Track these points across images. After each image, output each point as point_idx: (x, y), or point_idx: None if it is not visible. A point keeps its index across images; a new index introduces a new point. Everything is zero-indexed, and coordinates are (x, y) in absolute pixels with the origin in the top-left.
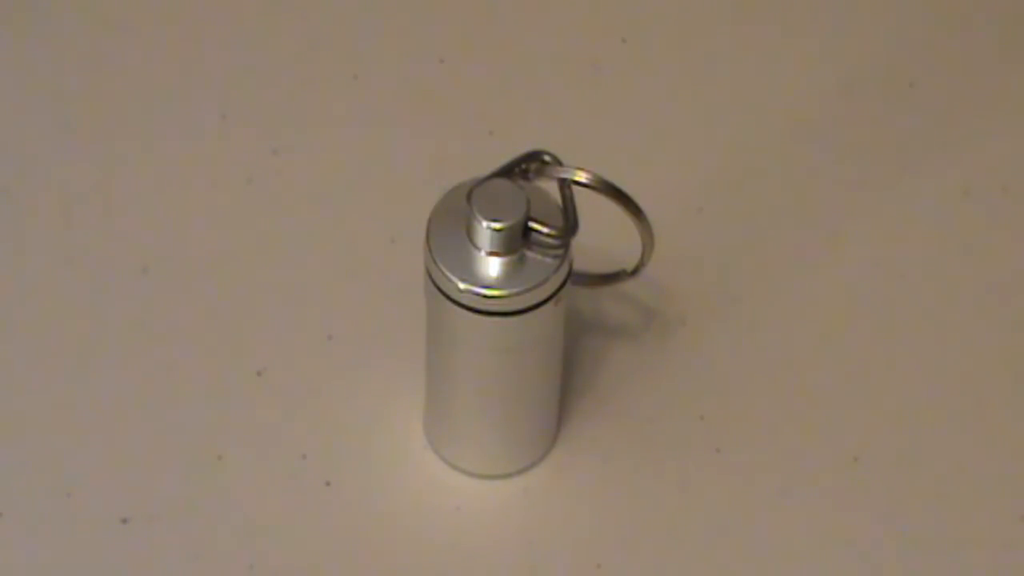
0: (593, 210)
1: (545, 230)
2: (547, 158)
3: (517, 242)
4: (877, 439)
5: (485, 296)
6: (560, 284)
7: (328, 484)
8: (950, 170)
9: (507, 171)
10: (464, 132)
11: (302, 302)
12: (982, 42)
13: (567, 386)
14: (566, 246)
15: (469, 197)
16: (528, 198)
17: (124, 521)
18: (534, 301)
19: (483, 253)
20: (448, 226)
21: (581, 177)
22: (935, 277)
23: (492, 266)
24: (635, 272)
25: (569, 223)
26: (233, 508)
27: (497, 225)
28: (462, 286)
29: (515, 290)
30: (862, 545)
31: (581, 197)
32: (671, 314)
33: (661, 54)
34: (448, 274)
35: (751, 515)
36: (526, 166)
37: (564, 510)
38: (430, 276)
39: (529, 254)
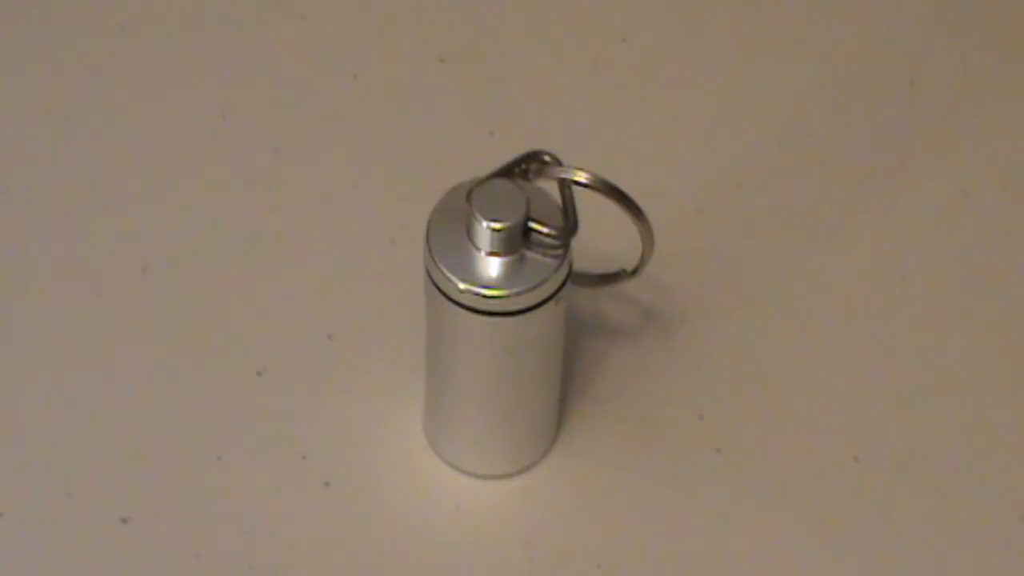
0: (593, 210)
1: (545, 230)
2: (547, 158)
3: (517, 242)
4: (877, 439)
5: (485, 296)
6: (560, 284)
7: (328, 484)
8: (950, 170)
9: (507, 171)
10: (464, 132)
11: (302, 302)
12: (983, 40)
13: (567, 386)
14: (566, 246)
15: (469, 197)
16: (528, 198)
17: (124, 521)
18: (534, 301)
19: (483, 253)
20: (448, 226)
21: (581, 177)
22: (935, 277)
23: (492, 266)
24: (635, 272)
25: (569, 223)
26: (233, 508)
27: (497, 225)
28: (462, 286)
29: (515, 290)
30: (862, 545)
31: (581, 197)
32: (671, 314)
33: (661, 54)
34: (448, 274)
35: (751, 515)
36: (526, 166)
37: (564, 510)
38: (430, 276)
39: (529, 254)
